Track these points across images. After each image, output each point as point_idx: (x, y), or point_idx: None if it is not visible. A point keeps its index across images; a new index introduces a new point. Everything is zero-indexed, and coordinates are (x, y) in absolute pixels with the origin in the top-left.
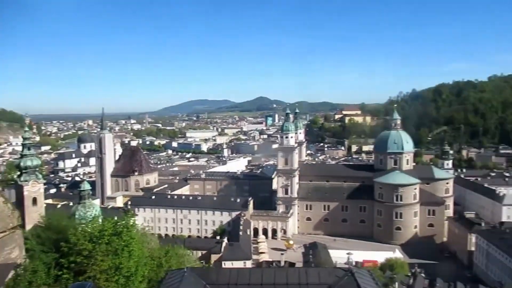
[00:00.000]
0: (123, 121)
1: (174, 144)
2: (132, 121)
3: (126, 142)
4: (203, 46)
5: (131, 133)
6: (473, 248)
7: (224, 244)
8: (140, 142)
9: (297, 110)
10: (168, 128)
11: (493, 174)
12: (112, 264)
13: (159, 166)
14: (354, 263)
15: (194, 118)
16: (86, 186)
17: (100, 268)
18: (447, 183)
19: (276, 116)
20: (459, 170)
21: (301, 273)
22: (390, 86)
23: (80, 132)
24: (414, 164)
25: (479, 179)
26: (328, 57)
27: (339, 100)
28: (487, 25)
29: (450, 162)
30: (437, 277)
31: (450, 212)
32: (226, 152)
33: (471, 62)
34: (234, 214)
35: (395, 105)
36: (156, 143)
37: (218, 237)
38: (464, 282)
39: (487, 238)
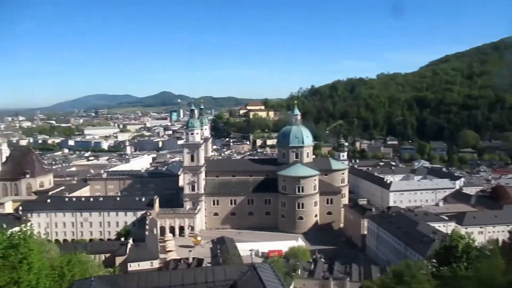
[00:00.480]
0: (10, 118)
1: (71, 143)
2: (21, 118)
3: (14, 141)
4: (100, 37)
5: (20, 132)
6: (365, 232)
7: (129, 246)
8: (31, 141)
9: (202, 106)
10: (63, 125)
11: (381, 163)
12: (9, 278)
13: (54, 167)
14: (260, 254)
15: (93, 114)
16: None
17: None
18: (343, 174)
19: (181, 111)
20: (353, 161)
21: (208, 272)
22: (291, 82)
23: None
24: (314, 156)
25: (370, 168)
26: (232, 52)
27: (244, 95)
28: (375, 26)
29: (345, 153)
30: (335, 261)
31: (346, 200)
32: (129, 150)
33: (363, 60)
34: (139, 213)
35: (296, 101)
36: (49, 141)
37: (122, 239)
38: (358, 263)
39: (377, 222)
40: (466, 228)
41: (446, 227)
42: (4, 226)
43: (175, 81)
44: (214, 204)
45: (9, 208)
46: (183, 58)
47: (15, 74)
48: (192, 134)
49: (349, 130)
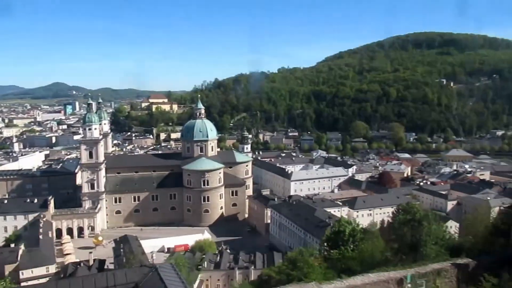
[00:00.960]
0: None
1: None
2: None
3: None
4: None
5: None
6: (269, 221)
7: (20, 252)
8: None
9: (100, 100)
10: None
11: (283, 154)
12: None
13: None
14: (166, 250)
15: None
16: None
17: None
18: (247, 166)
19: (77, 104)
20: (256, 153)
21: (108, 276)
22: (195, 74)
23: None
24: (219, 149)
25: (272, 159)
26: (132, 42)
27: (146, 87)
28: (276, 22)
29: (249, 146)
30: (240, 251)
31: (250, 191)
32: (16, 147)
33: (264, 54)
34: (31, 216)
35: (199, 95)
36: None
37: (12, 245)
38: (262, 251)
39: (279, 211)
40: (357, 211)
41: (340, 212)
42: None
43: (69, 72)
44: (116, 202)
45: None
46: (77, 46)
47: None
48: (90, 129)
49: (253, 123)
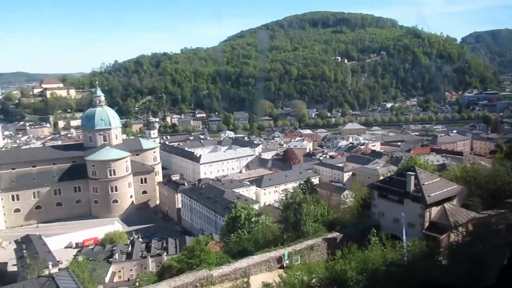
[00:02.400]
0: None
1: None
2: None
3: None
4: None
5: None
6: (180, 206)
7: None
8: None
9: None
10: None
11: (191, 138)
12: None
13: None
14: (74, 245)
15: None
16: None
17: None
18: (154, 152)
19: None
20: (164, 137)
21: None
22: (92, 55)
23: None
24: (124, 136)
25: (181, 143)
26: (14, 22)
27: (37, 70)
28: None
29: (156, 131)
30: (152, 239)
31: (160, 177)
32: None
33: (165, 33)
34: None
35: (97, 82)
36: None
37: None
38: (174, 236)
39: (189, 195)
40: (264, 189)
41: (249, 191)
42: None
43: None
44: (13, 199)
45: None
46: None
47: None
48: None
49: (159, 106)
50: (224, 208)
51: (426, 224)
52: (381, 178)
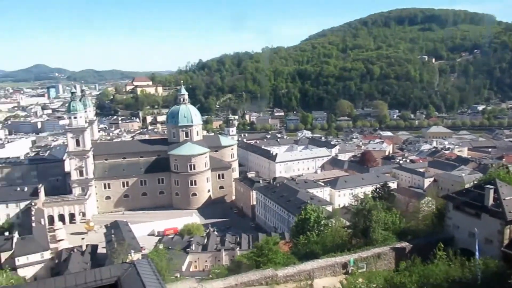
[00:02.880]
0: None
1: None
2: None
3: None
4: None
5: None
6: (254, 203)
7: (15, 240)
8: None
9: (84, 87)
10: None
11: (268, 136)
12: None
13: None
14: (156, 234)
15: None
16: None
17: None
18: (232, 149)
19: (60, 86)
20: (242, 135)
21: (96, 272)
22: (179, 54)
23: None
24: (205, 132)
25: (258, 141)
26: (114, 21)
27: (129, 68)
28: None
29: (234, 128)
30: (226, 233)
31: (236, 173)
32: (2, 133)
33: (248, 33)
34: (22, 204)
35: (182, 81)
36: None
37: (7, 233)
38: (248, 232)
39: (263, 193)
40: (339, 191)
41: (323, 192)
42: None
43: (50, 53)
44: (105, 188)
45: None
46: (57, 27)
47: None
48: (75, 118)
49: (238, 104)
50: (297, 208)
51: (506, 242)
52: (466, 186)
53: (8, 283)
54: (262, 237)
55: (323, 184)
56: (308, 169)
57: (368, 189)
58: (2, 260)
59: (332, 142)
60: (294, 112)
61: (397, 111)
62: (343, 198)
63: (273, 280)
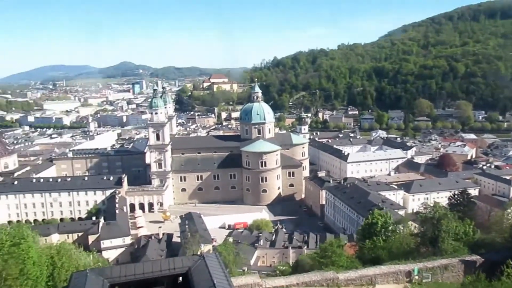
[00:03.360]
0: None
1: (31, 119)
2: None
3: None
4: (55, 3)
5: None
6: (324, 202)
7: (101, 224)
8: None
9: (164, 85)
10: (20, 99)
11: (341, 135)
12: (19, 271)
13: (17, 147)
14: (226, 227)
15: (51, 87)
16: None
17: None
18: (303, 147)
19: (144, 83)
20: (314, 133)
21: (170, 262)
22: (255, 51)
23: None
24: (277, 130)
25: (330, 140)
26: (194, 21)
27: (207, 65)
28: None
29: (306, 127)
30: (295, 231)
31: (307, 172)
32: (92, 126)
33: (326, 28)
34: (108, 192)
35: (256, 79)
36: (8, 118)
37: (94, 218)
38: (316, 231)
39: (333, 193)
40: (413, 195)
41: (396, 195)
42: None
43: (135, 51)
44: (181, 180)
45: None
46: (142, 26)
47: None
48: (156, 113)
49: (312, 101)
50: (367, 210)
51: None
52: None
53: (96, 265)
54: (330, 238)
55: (396, 187)
56: (381, 170)
57: (445, 195)
58: (90, 242)
59: (408, 144)
60: (369, 111)
61: (483, 112)
62: (417, 202)
63: (334, 282)
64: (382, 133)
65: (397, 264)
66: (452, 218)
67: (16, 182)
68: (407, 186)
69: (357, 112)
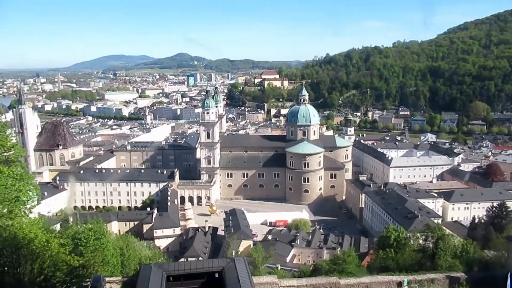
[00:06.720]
0: (31, 80)
1: (93, 109)
2: (42, 80)
3: (40, 106)
4: None
5: (44, 95)
6: (363, 206)
7: (154, 215)
8: (55, 106)
9: (217, 85)
10: (84, 89)
11: (387, 138)
12: (101, 259)
13: (82, 137)
14: (268, 223)
15: (111, 76)
16: None
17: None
18: (347, 150)
19: (198, 75)
20: (360, 135)
21: (204, 262)
22: (308, 46)
23: None
24: (324, 129)
25: (375, 143)
26: (248, 13)
27: (260, 57)
28: None
29: (352, 129)
30: (331, 233)
31: (349, 174)
32: (149, 119)
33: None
34: (161, 185)
35: (304, 81)
36: (73, 107)
37: (148, 208)
38: (352, 234)
39: (372, 197)
40: (453, 204)
41: (435, 204)
42: (46, 194)
43: (192, 43)
44: (228, 176)
45: (46, 177)
46: (197, 18)
47: (35, 32)
48: (207, 113)
49: (362, 100)
50: (403, 217)
51: None
52: None
53: (153, 257)
54: (365, 242)
55: (436, 195)
56: (424, 176)
57: (486, 206)
58: (144, 230)
59: (456, 150)
60: (421, 112)
61: None
62: (457, 212)
63: (336, 286)
64: (432, 137)
65: (391, 275)
66: (451, 238)
67: (82, 172)
68: (447, 195)
69: (408, 113)
